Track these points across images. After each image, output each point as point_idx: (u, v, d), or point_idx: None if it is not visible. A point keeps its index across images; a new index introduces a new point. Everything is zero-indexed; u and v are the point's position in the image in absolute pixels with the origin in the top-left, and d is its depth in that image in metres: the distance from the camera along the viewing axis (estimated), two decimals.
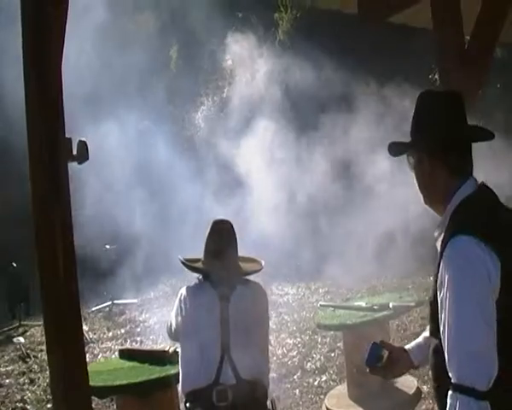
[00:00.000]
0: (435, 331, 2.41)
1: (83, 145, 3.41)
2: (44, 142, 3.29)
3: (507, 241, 2.29)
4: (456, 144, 2.47)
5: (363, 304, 5.94)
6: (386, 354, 2.78)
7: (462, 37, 5.51)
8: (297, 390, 7.79)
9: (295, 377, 8.15)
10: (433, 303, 2.40)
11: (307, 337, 9.18)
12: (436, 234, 2.48)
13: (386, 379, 3.05)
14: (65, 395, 3.53)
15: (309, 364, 8.54)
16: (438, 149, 2.45)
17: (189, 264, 4.08)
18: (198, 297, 3.89)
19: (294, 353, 8.92)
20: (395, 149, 2.61)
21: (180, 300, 3.92)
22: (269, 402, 3.80)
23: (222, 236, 4.02)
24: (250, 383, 3.62)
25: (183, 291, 3.96)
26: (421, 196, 2.59)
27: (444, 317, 2.29)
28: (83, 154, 3.42)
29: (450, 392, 2.25)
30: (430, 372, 2.56)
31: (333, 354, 8.35)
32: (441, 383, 2.35)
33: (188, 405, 3.69)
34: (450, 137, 2.45)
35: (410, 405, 5.37)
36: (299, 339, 9.23)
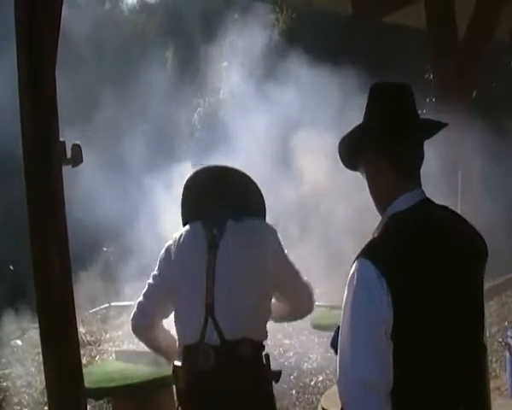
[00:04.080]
0: None
1: (77, 148, 3.43)
2: (38, 145, 3.32)
3: (408, 277, 2.13)
4: (404, 142, 2.28)
5: None
6: None
7: (455, 37, 5.54)
8: (293, 391, 7.79)
9: (292, 377, 8.15)
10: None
11: (304, 338, 9.18)
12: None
13: None
14: (60, 398, 3.56)
15: (305, 364, 8.54)
16: (382, 140, 2.28)
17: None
18: (186, 241, 3.48)
19: (291, 353, 8.93)
20: (345, 154, 2.42)
21: (166, 248, 3.52)
22: (264, 357, 3.41)
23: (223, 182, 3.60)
24: (235, 343, 3.31)
25: (171, 239, 3.54)
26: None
27: (339, 336, 2.17)
28: (77, 157, 3.44)
29: None
30: None
31: (329, 354, 8.32)
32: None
33: (180, 363, 3.39)
34: (395, 128, 2.27)
35: None
36: (295, 339, 9.23)
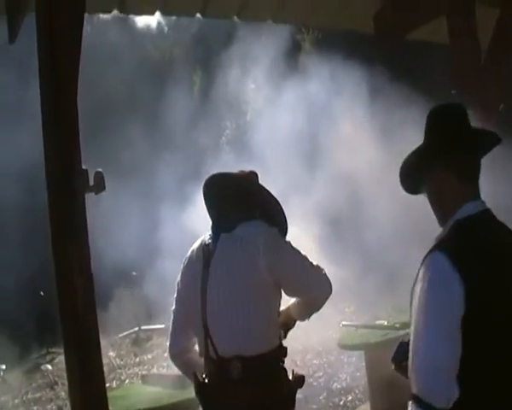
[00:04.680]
0: None
1: (100, 176, 3.48)
2: (61, 173, 3.36)
3: (480, 271, 2.30)
4: (469, 153, 2.53)
5: (385, 323, 5.92)
6: None
7: (478, 51, 5.53)
8: None
9: (321, 397, 8.12)
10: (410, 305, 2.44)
11: (333, 358, 9.13)
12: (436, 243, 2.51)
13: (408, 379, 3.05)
14: None
15: (335, 384, 8.50)
16: (451, 153, 2.51)
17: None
18: (190, 259, 3.58)
19: (320, 373, 8.89)
20: (407, 173, 2.64)
21: (181, 271, 3.62)
22: (262, 375, 3.38)
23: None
24: (228, 360, 3.32)
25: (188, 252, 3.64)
26: None
27: (411, 326, 2.36)
28: (100, 184, 3.48)
29: (409, 402, 2.31)
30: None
31: (358, 374, 8.28)
32: None
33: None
34: (463, 145, 2.52)
35: None
36: (324, 359, 9.19)
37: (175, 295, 3.61)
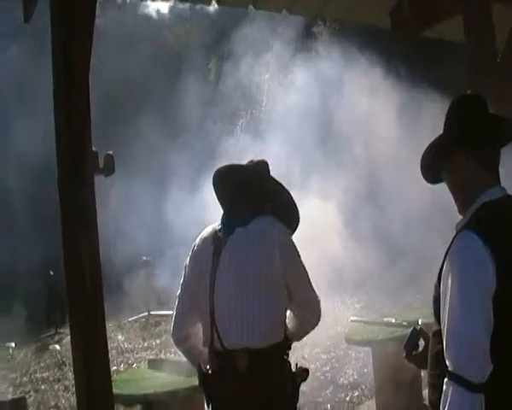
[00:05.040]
0: (437, 315, 2.49)
1: (110, 158, 3.47)
2: (72, 155, 3.36)
3: (508, 250, 2.38)
4: (490, 140, 2.60)
5: (392, 320, 5.90)
6: (422, 344, 2.82)
7: (495, 48, 5.49)
8: (328, 405, 7.74)
9: (327, 391, 8.10)
10: (437, 288, 2.49)
11: (341, 352, 9.09)
12: (457, 230, 2.55)
13: (419, 368, 3.08)
14: (89, 404, 3.59)
15: (342, 379, 8.48)
16: (474, 139, 2.57)
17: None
18: (200, 247, 3.54)
19: (328, 367, 8.86)
20: (428, 164, 2.70)
21: (189, 257, 3.59)
22: (268, 368, 3.37)
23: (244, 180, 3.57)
24: (234, 352, 3.30)
25: (196, 239, 3.61)
26: None
27: (445, 306, 2.39)
28: (109, 167, 3.47)
29: (445, 379, 2.33)
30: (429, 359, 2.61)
31: (366, 370, 8.26)
32: (441, 371, 2.40)
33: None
34: (485, 132, 2.59)
35: None
36: (332, 354, 9.15)
37: (181, 281, 3.59)
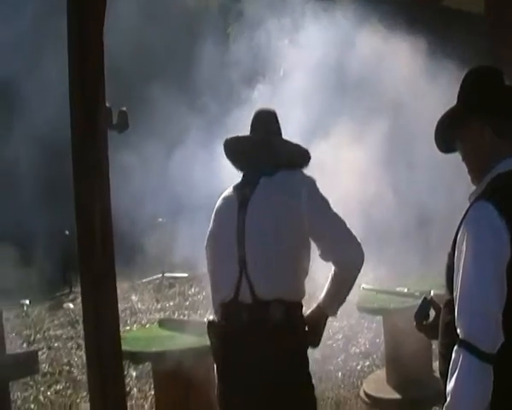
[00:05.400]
0: (449, 285, 2.48)
1: (123, 115, 3.45)
2: (85, 110, 3.34)
3: None
4: (506, 110, 2.59)
5: (405, 290, 5.87)
6: (433, 314, 2.82)
7: None
8: (339, 373, 7.77)
9: (339, 359, 8.13)
10: (451, 257, 2.48)
11: (353, 321, 9.10)
12: (471, 200, 2.56)
13: (429, 339, 3.05)
14: (98, 360, 3.61)
15: (353, 348, 8.51)
16: (490, 108, 2.57)
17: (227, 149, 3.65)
18: (222, 204, 3.54)
19: (340, 336, 8.89)
20: (442, 133, 2.70)
21: (214, 210, 3.60)
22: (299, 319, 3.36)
23: (263, 126, 3.58)
24: (268, 303, 3.23)
25: (218, 199, 3.61)
26: None
27: (458, 274, 2.39)
28: (123, 123, 3.45)
29: (455, 347, 2.32)
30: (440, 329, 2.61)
31: (378, 340, 8.28)
32: (451, 340, 2.39)
33: (216, 320, 3.42)
34: (501, 101, 2.59)
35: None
36: (345, 322, 9.15)
37: (207, 256, 3.57)
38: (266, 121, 3.59)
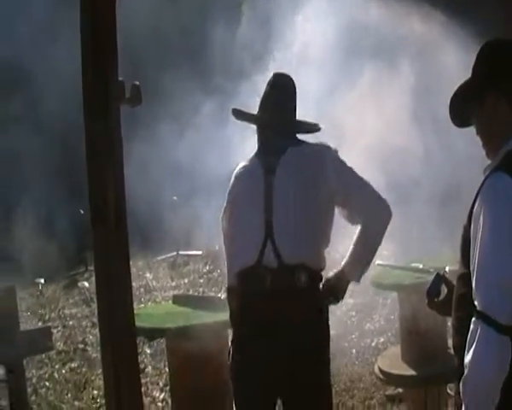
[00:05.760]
0: (464, 258, 2.47)
1: (136, 88, 3.42)
2: (97, 84, 3.31)
3: None
4: None
5: (420, 266, 5.84)
6: (445, 290, 2.80)
7: None
8: (354, 350, 7.78)
9: (353, 336, 8.14)
10: (467, 230, 2.47)
11: (368, 298, 9.09)
12: (486, 174, 2.54)
13: (441, 315, 3.07)
14: (111, 337, 3.61)
15: (368, 324, 8.51)
16: (505, 82, 2.54)
17: (241, 112, 3.69)
18: (244, 170, 3.55)
19: (354, 313, 8.89)
20: (460, 99, 2.67)
21: (230, 182, 3.62)
22: (321, 286, 3.40)
23: (282, 88, 3.62)
24: (293, 268, 3.26)
25: (234, 171, 3.63)
26: None
27: (475, 246, 2.37)
28: (136, 97, 3.42)
29: (473, 319, 2.31)
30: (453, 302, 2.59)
31: (392, 317, 8.27)
32: (465, 314, 2.39)
33: (236, 285, 3.41)
34: None
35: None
36: (359, 300, 9.15)
37: (224, 225, 3.55)
38: (285, 96, 3.59)
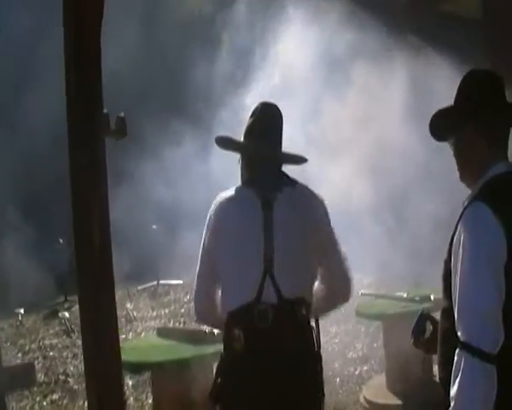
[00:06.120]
0: (447, 291, 2.46)
1: (121, 121, 3.41)
2: (82, 116, 3.30)
3: None
4: (501, 119, 2.59)
5: (404, 295, 5.85)
6: (430, 328, 2.77)
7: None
8: (337, 378, 7.73)
9: (336, 364, 8.09)
10: (448, 264, 2.47)
11: (350, 327, 9.08)
12: (465, 204, 2.54)
13: (427, 354, 3.03)
14: (96, 371, 3.57)
15: (351, 353, 8.48)
16: (484, 118, 2.56)
17: (230, 140, 3.58)
18: (233, 201, 3.45)
19: (337, 341, 8.86)
20: (440, 123, 2.66)
21: (213, 211, 3.46)
22: (312, 321, 3.41)
23: (272, 118, 3.54)
24: (292, 302, 3.26)
25: (217, 200, 3.49)
26: None
27: (456, 277, 2.37)
28: (121, 129, 3.41)
29: (457, 350, 2.29)
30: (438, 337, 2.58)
31: (375, 345, 8.26)
32: (449, 347, 2.36)
33: (228, 327, 3.32)
34: (496, 110, 2.58)
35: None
36: (342, 328, 9.14)
37: (202, 245, 3.48)
38: (275, 128, 3.56)
